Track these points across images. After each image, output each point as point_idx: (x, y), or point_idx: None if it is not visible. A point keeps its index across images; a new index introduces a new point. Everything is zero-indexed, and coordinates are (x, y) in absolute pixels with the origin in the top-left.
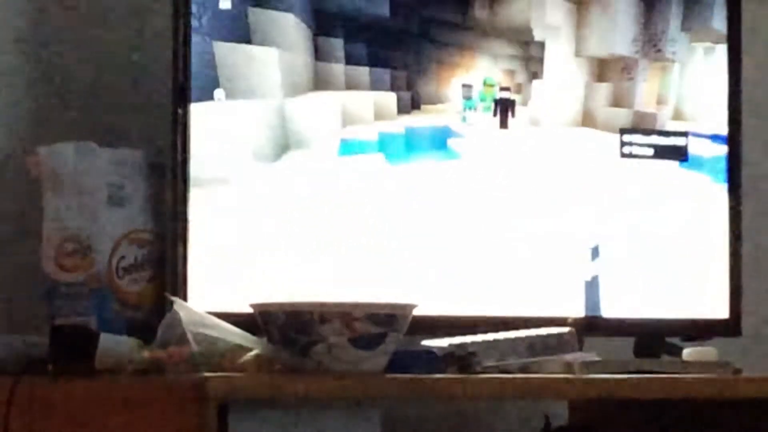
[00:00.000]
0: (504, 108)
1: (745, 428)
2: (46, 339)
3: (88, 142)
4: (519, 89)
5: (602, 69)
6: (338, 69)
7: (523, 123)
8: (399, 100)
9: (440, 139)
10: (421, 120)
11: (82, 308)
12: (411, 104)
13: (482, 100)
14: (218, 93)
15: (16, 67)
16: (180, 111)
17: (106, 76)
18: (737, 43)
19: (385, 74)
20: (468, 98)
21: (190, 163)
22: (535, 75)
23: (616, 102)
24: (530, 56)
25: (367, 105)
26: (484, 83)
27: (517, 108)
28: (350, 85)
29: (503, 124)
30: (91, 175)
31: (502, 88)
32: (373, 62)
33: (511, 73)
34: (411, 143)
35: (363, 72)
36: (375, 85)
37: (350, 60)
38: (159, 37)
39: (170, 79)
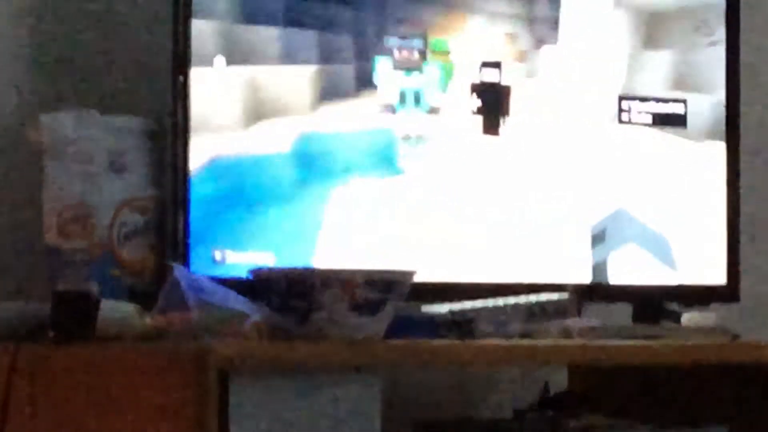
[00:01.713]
0: (491, 101)
1: (742, 393)
2: (47, 306)
3: (89, 110)
4: (522, 57)
5: (658, 28)
6: (221, 30)
7: (525, 113)
8: (332, 79)
9: (373, 163)
10: (349, 115)
11: (84, 275)
12: (356, 84)
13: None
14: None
15: (18, 37)
16: (180, 78)
17: (107, 44)
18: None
19: (307, 39)
20: (410, 68)
21: (190, 129)
22: (543, 41)
23: (681, 82)
24: (539, 15)
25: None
26: (432, 50)
27: (512, 98)
28: (242, 57)
29: (490, 127)
30: (92, 142)
31: (486, 64)
32: (292, 21)
33: (512, 37)
34: (305, 172)
35: (269, 36)
36: (292, 57)
37: (253, 18)
38: (159, 4)
39: (170, 46)
